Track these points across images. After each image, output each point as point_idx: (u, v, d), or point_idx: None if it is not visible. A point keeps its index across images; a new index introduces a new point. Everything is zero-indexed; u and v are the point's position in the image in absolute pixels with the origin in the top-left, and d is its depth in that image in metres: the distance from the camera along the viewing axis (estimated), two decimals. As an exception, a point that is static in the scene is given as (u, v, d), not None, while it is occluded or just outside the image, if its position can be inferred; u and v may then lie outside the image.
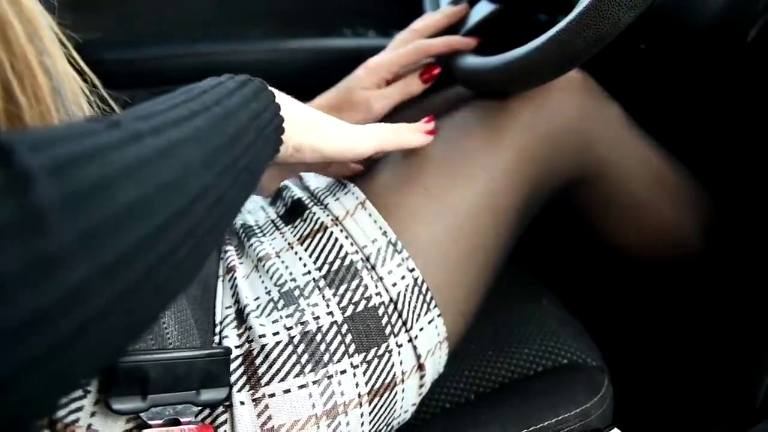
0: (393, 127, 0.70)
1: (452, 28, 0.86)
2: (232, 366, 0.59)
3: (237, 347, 0.60)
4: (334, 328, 0.62)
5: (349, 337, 0.62)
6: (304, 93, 0.87)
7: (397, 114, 0.86)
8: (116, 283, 0.31)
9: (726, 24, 0.73)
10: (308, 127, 0.62)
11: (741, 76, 0.86)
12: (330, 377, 0.61)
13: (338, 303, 0.63)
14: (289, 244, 0.68)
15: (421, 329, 0.66)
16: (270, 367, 0.59)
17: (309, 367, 0.60)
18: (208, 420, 0.58)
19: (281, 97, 0.59)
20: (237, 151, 0.45)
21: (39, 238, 0.28)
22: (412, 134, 0.71)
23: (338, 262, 0.65)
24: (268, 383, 0.59)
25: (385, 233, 0.67)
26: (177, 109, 0.42)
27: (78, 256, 0.29)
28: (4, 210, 0.27)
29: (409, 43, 0.84)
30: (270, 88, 0.56)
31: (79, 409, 0.53)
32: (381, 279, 0.65)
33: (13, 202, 0.27)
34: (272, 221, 0.73)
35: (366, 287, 0.65)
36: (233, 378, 0.59)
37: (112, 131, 0.35)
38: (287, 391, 0.59)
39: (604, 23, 0.61)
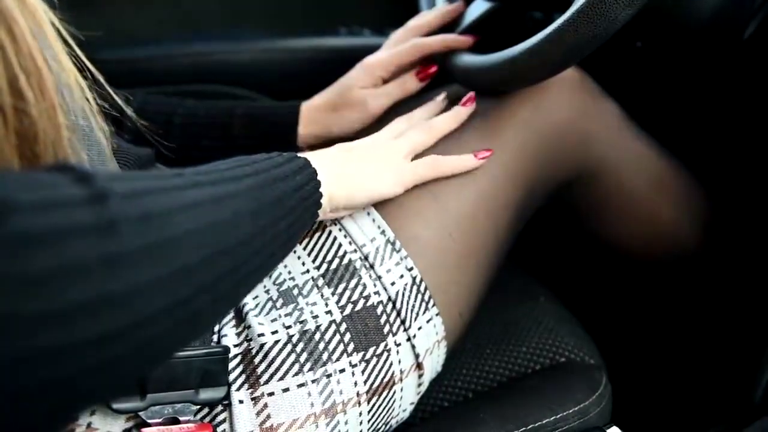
0: (427, 163, 0.71)
1: (448, 26, 0.86)
2: (231, 365, 0.59)
3: (236, 346, 0.60)
4: (333, 327, 0.62)
5: (347, 336, 0.62)
6: (301, 92, 0.87)
7: (393, 113, 0.86)
8: (167, 296, 0.36)
9: (723, 21, 0.73)
10: (344, 189, 0.65)
11: (738, 73, 0.86)
12: (329, 376, 0.61)
13: (337, 302, 0.63)
14: None
15: (420, 328, 0.66)
16: (269, 366, 0.59)
17: (308, 366, 0.60)
18: (207, 419, 0.58)
19: (322, 165, 0.62)
20: (280, 212, 0.51)
21: (112, 241, 0.33)
22: (450, 163, 0.71)
23: (337, 261, 0.65)
24: (267, 382, 0.59)
25: (383, 232, 0.67)
26: (232, 170, 0.49)
27: (142, 263, 0.34)
28: (87, 214, 0.33)
29: (405, 42, 0.84)
30: (313, 165, 0.60)
31: (79, 407, 0.53)
32: (379, 278, 0.65)
33: (91, 210, 0.33)
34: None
35: (364, 286, 0.65)
36: (232, 377, 0.59)
37: (177, 178, 0.42)
38: (286, 389, 0.59)
39: (601, 21, 0.61)
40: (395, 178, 0.68)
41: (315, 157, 0.63)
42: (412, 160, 0.70)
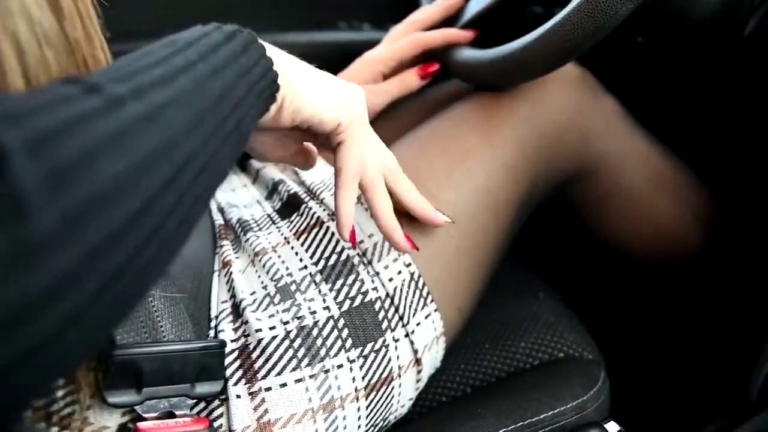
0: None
1: (448, 20, 0.86)
2: (228, 360, 0.59)
3: (233, 341, 0.60)
4: (331, 322, 0.62)
5: (345, 332, 0.62)
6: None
7: (394, 109, 0.86)
8: (106, 264, 0.30)
9: (723, 17, 0.73)
10: (300, 78, 0.55)
11: (738, 70, 0.86)
12: (327, 371, 0.61)
13: (335, 298, 0.63)
14: (285, 238, 0.68)
15: (418, 324, 0.66)
16: (266, 361, 0.59)
17: (305, 361, 0.60)
18: (204, 413, 0.58)
19: (273, 51, 0.53)
20: (224, 111, 0.42)
21: (19, 224, 0.26)
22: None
23: (334, 257, 0.65)
24: (264, 377, 0.59)
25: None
26: (160, 66, 0.39)
27: (63, 240, 0.27)
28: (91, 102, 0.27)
29: (406, 36, 0.84)
30: (261, 41, 0.51)
31: (75, 402, 0.52)
32: (377, 274, 0.65)
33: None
34: (268, 216, 0.73)
35: (362, 282, 0.64)
36: (229, 372, 0.59)
37: (90, 97, 0.33)
38: (284, 385, 0.59)
39: (601, 16, 0.61)
40: (340, 101, 0.58)
41: (272, 49, 0.54)
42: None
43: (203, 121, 0.39)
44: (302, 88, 0.55)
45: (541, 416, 0.69)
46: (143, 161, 0.33)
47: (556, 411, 0.69)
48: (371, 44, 0.86)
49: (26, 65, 0.40)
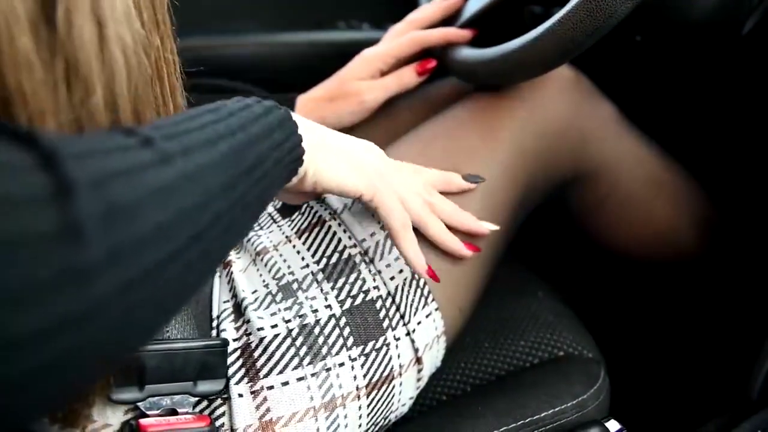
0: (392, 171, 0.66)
1: (447, 20, 0.86)
2: (231, 359, 0.59)
3: (235, 340, 0.60)
4: (333, 321, 0.62)
5: (347, 330, 0.62)
6: (300, 86, 0.87)
7: (392, 108, 0.86)
8: (132, 298, 0.32)
9: (722, 16, 0.73)
10: (322, 153, 0.59)
11: (736, 69, 0.86)
12: (328, 370, 0.61)
13: (336, 296, 0.63)
14: (287, 237, 0.68)
15: (419, 323, 0.66)
16: (268, 359, 0.59)
17: (307, 359, 0.60)
18: (206, 412, 0.58)
19: (303, 126, 0.56)
20: (253, 179, 0.46)
21: (73, 249, 0.28)
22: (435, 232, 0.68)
23: (336, 255, 0.65)
24: (266, 376, 0.59)
25: (383, 227, 0.67)
26: (205, 130, 0.42)
27: (103, 272, 0.30)
28: (46, 218, 0.28)
29: (405, 35, 0.84)
30: (294, 117, 0.54)
31: (78, 398, 0.53)
32: (379, 272, 0.65)
33: (55, 212, 0.28)
34: (270, 215, 0.73)
35: (364, 281, 0.65)
36: (231, 370, 0.59)
37: (145, 150, 0.36)
38: (286, 383, 0.59)
39: (600, 15, 0.61)
40: (362, 176, 0.61)
41: (297, 118, 0.56)
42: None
43: (236, 185, 0.42)
44: (323, 165, 0.58)
45: (542, 414, 0.69)
46: (181, 215, 0.36)
47: (556, 409, 0.69)
48: (370, 44, 0.86)
49: (130, 69, 0.44)
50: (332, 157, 0.59)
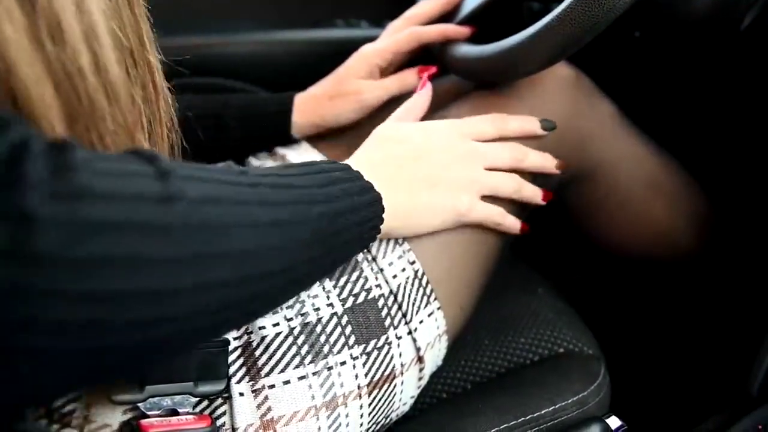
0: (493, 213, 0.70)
1: (446, 16, 0.86)
2: (232, 357, 0.59)
3: (236, 339, 0.60)
4: (335, 319, 0.62)
5: (349, 329, 0.62)
6: (298, 85, 0.87)
7: (390, 106, 0.86)
8: (195, 303, 0.39)
9: (720, 11, 0.73)
10: (396, 223, 0.64)
11: (735, 64, 0.86)
12: (330, 369, 0.61)
13: (338, 294, 0.63)
14: None
15: (421, 322, 0.66)
16: (270, 358, 0.59)
17: (309, 358, 0.60)
18: (207, 411, 0.57)
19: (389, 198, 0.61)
20: (333, 246, 0.52)
21: (164, 241, 0.37)
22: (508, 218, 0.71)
23: None
24: (267, 374, 0.59)
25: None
26: (308, 191, 0.50)
27: (188, 268, 0.38)
28: (155, 213, 0.37)
29: (403, 31, 0.84)
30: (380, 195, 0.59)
31: (77, 399, 0.53)
32: (381, 271, 0.65)
33: (163, 210, 0.37)
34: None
35: (366, 279, 0.65)
36: (232, 369, 0.59)
37: (250, 187, 0.45)
38: (287, 382, 0.59)
39: (599, 10, 0.61)
40: (451, 218, 0.67)
41: (385, 189, 0.61)
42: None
43: (315, 247, 0.50)
44: (397, 226, 0.64)
45: (542, 411, 0.69)
46: (257, 249, 0.43)
47: (557, 406, 0.69)
48: (369, 41, 0.86)
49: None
50: (407, 219, 0.65)
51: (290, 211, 0.47)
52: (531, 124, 0.73)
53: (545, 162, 0.73)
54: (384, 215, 0.60)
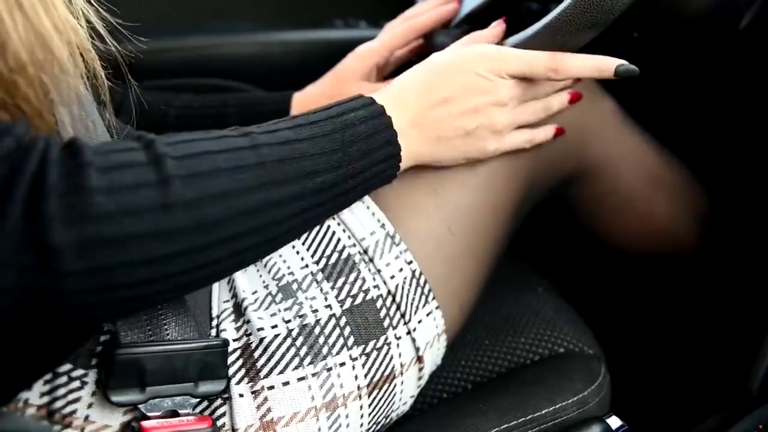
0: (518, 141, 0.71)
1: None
2: (231, 359, 0.59)
3: (235, 340, 0.60)
4: (333, 320, 0.62)
5: (347, 330, 0.62)
6: (297, 84, 0.87)
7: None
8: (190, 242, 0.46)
9: (719, 11, 0.73)
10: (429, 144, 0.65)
11: (734, 63, 0.86)
12: (329, 370, 0.61)
13: (336, 296, 0.63)
14: None
15: (420, 322, 0.66)
16: (269, 359, 0.59)
17: (308, 359, 0.60)
18: (207, 412, 0.58)
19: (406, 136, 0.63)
20: (343, 189, 0.57)
21: (165, 216, 0.45)
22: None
23: (336, 255, 0.65)
24: (267, 376, 0.59)
25: (383, 226, 0.67)
26: (324, 156, 0.55)
27: (189, 232, 0.46)
28: (150, 194, 0.44)
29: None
30: (398, 137, 0.62)
31: (77, 400, 0.53)
32: (379, 271, 0.65)
33: (160, 194, 0.45)
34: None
35: (364, 280, 0.65)
36: (232, 371, 0.59)
37: (243, 151, 0.51)
38: (286, 383, 0.59)
39: (597, 11, 0.61)
40: (480, 157, 0.69)
41: (415, 130, 0.64)
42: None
43: (326, 183, 0.55)
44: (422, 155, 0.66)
45: (543, 411, 0.69)
46: (242, 212, 0.50)
47: (557, 406, 0.69)
48: (367, 42, 0.86)
49: None
50: (429, 145, 0.66)
51: (291, 188, 0.52)
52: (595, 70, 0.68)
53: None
54: (403, 153, 0.62)
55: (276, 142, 0.53)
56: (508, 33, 0.70)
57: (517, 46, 0.68)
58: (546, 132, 0.72)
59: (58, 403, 0.52)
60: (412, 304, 0.66)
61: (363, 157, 0.58)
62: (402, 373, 0.66)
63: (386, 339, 0.64)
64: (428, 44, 0.84)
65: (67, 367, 0.53)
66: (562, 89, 0.72)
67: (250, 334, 0.60)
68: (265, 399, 0.58)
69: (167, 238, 0.45)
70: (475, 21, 0.82)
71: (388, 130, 0.60)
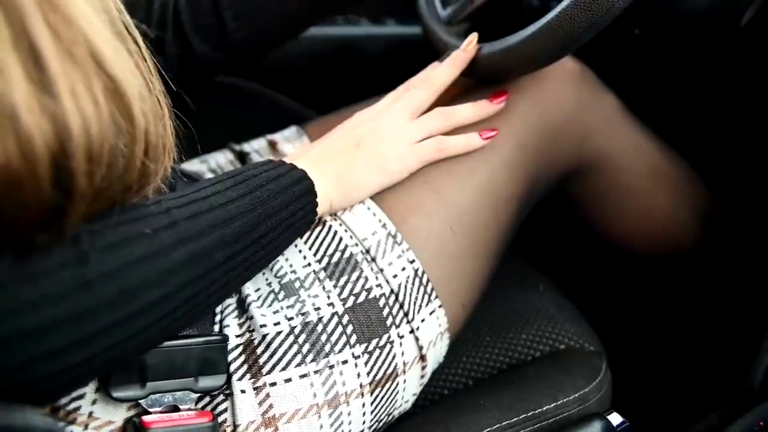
0: (431, 145, 0.70)
1: (444, 17, 0.86)
2: (233, 355, 0.59)
3: (238, 336, 0.60)
4: (335, 318, 0.62)
5: (350, 328, 0.62)
6: (297, 80, 0.87)
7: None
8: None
9: (720, 8, 0.73)
10: (345, 194, 0.67)
11: (735, 60, 0.86)
12: (331, 367, 0.61)
13: (339, 294, 0.64)
14: None
15: (423, 320, 0.66)
16: (271, 356, 0.60)
17: (310, 356, 0.60)
18: (209, 408, 0.58)
19: (322, 175, 0.65)
20: (259, 245, 0.56)
21: (86, 295, 0.44)
22: (454, 143, 0.71)
23: (338, 254, 0.65)
24: (269, 372, 0.59)
25: (384, 225, 0.67)
26: (226, 207, 0.54)
27: (109, 309, 0.45)
28: (66, 274, 0.43)
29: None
30: (312, 178, 0.63)
31: (81, 396, 0.53)
32: (381, 270, 0.65)
33: (73, 268, 0.44)
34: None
35: (366, 279, 0.65)
36: (234, 366, 0.59)
37: (166, 232, 0.49)
38: (288, 380, 0.59)
39: (599, 8, 0.61)
40: (400, 167, 0.69)
41: (316, 166, 0.65)
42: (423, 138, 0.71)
43: (237, 255, 0.55)
44: (341, 204, 0.68)
45: (544, 408, 0.69)
46: (180, 287, 0.50)
47: (558, 402, 0.69)
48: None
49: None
50: (349, 192, 0.67)
51: (208, 239, 0.51)
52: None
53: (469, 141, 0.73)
54: (325, 191, 0.64)
55: (184, 203, 0.52)
56: (510, 31, 0.70)
57: (519, 43, 0.68)
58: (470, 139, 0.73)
59: (63, 400, 0.53)
60: (415, 303, 0.66)
61: (274, 197, 0.58)
62: (405, 372, 0.66)
63: (389, 337, 0.64)
64: (431, 43, 0.84)
65: None
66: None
67: (253, 331, 0.60)
68: (267, 395, 0.58)
69: (91, 316, 0.44)
70: (477, 18, 0.82)
71: (295, 170, 0.62)
